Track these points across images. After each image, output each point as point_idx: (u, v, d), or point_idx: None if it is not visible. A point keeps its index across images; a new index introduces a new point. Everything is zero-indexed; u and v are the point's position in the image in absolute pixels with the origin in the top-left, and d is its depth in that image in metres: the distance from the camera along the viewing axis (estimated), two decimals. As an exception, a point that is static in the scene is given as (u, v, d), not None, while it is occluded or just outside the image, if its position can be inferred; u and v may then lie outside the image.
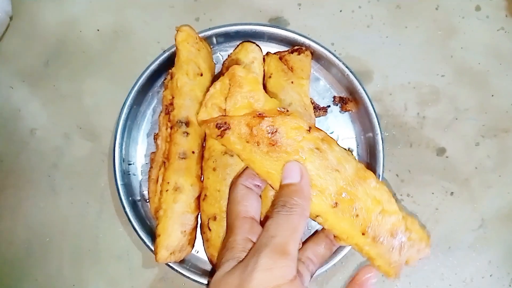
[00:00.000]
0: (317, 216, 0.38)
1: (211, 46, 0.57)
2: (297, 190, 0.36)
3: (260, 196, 0.43)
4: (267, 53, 0.56)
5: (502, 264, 0.58)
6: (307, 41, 0.57)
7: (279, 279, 0.32)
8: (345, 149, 0.40)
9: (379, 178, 0.55)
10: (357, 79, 0.56)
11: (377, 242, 0.38)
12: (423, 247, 0.39)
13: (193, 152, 0.51)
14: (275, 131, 0.37)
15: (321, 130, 0.39)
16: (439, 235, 0.58)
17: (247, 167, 0.43)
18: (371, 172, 0.40)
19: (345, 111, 0.58)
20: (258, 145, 0.37)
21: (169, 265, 0.53)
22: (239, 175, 0.44)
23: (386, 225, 0.38)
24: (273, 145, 0.37)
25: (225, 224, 0.48)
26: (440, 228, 0.58)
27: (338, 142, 0.57)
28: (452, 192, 0.59)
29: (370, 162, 0.57)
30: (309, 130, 0.37)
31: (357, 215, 0.37)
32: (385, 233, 0.38)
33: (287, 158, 0.37)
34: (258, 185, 0.42)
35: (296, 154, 0.37)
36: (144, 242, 0.53)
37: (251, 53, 0.54)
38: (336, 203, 0.37)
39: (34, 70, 0.61)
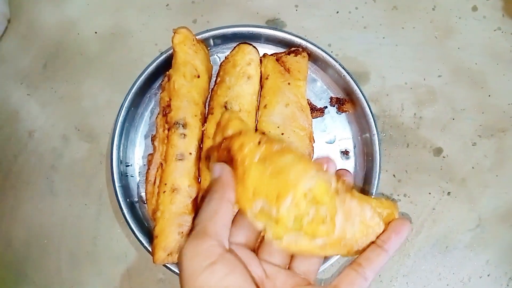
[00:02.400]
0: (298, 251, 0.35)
1: (208, 48, 0.58)
2: (216, 181, 0.36)
3: None
4: (264, 55, 0.56)
5: (499, 263, 0.58)
6: (304, 43, 0.57)
7: (206, 259, 0.32)
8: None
9: (376, 179, 0.55)
10: (353, 80, 0.56)
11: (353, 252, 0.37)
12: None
13: (190, 154, 0.51)
14: (229, 149, 0.38)
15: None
16: (437, 235, 0.58)
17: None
18: (351, 183, 0.38)
19: (342, 112, 0.59)
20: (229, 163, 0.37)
21: (166, 267, 0.53)
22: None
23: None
24: (231, 160, 0.37)
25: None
26: (437, 228, 0.58)
27: (336, 143, 0.58)
28: (449, 192, 0.59)
29: (367, 163, 0.57)
30: (258, 143, 0.36)
31: (344, 246, 0.35)
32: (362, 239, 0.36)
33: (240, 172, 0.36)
34: None
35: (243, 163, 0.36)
36: (142, 244, 0.54)
37: (248, 55, 0.55)
38: (324, 244, 0.35)
39: (32, 72, 0.61)
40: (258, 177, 0.35)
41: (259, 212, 0.34)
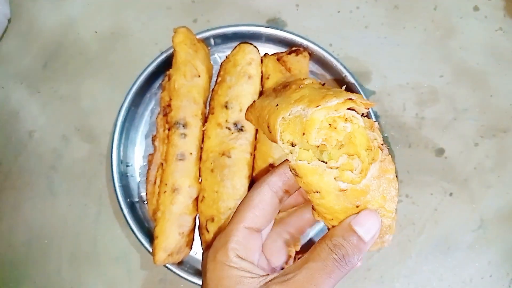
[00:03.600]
0: (317, 192, 0.34)
1: (209, 48, 0.57)
2: (362, 249, 0.34)
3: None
4: (265, 54, 0.56)
5: (501, 264, 0.58)
6: (305, 42, 0.57)
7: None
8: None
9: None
10: (355, 79, 0.56)
11: None
12: (393, 228, 0.38)
13: (191, 154, 0.51)
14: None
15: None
16: (438, 235, 0.58)
17: (279, 165, 0.40)
18: (394, 165, 0.36)
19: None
20: None
21: (167, 267, 0.53)
22: (267, 176, 0.39)
23: None
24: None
25: (223, 226, 0.48)
26: (439, 228, 0.58)
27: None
28: (451, 193, 0.59)
29: (369, 163, 0.57)
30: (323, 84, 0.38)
31: (357, 206, 0.35)
32: None
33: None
34: (287, 191, 0.39)
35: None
36: (142, 244, 0.53)
37: (249, 55, 0.54)
38: (346, 189, 0.34)
39: (33, 72, 0.61)
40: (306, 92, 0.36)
41: (293, 119, 0.34)
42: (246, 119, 0.49)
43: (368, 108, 0.35)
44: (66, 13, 0.63)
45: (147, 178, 0.55)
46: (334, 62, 0.56)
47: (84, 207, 0.58)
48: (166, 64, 0.56)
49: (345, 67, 0.56)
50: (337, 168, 0.33)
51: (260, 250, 0.39)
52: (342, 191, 0.33)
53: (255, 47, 0.55)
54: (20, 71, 0.61)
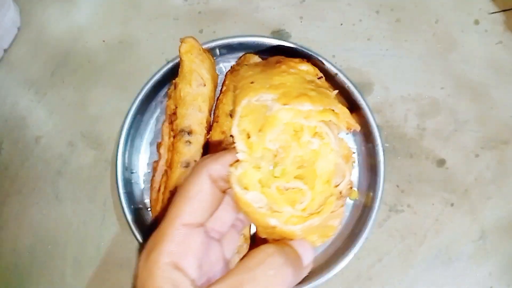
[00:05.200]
0: (245, 212, 0.31)
1: (214, 58, 0.58)
2: (301, 272, 0.31)
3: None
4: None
5: (502, 275, 0.58)
6: (308, 53, 0.57)
7: None
8: None
9: (380, 189, 0.55)
10: (357, 90, 0.57)
11: None
12: None
13: (195, 161, 0.52)
14: None
15: None
16: (439, 246, 0.58)
17: (224, 151, 0.34)
18: (343, 214, 0.32)
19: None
20: None
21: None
22: (208, 159, 0.34)
23: None
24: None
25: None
26: (440, 239, 0.58)
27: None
28: (452, 203, 0.59)
29: (371, 173, 0.57)
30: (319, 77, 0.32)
31: (283, 238, 0.31)
32: None
33: None
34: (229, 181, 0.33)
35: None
36: (146, 250, 0.54)
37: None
38: (275, 227, 0.30)
39: (41, 79, 0.62)
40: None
41: (258, 107, 0.29)
42: (223, 84, 0.42)
43: (351, 130, 0.30)
44: (75, 22, 0.64)
45: (151, 185, 0.56)
46: (337, 73, 0.57)
47: (89, 213, 0.59)
48: (172, 73, 0.57)
49: (347, 78, 0.57)
50: (274, 212, 0.29)
51: (204, 246, 0.33)
52: (271, 227, 0.30)
53: (260, 57, 0.56)
54: (28, 78, 0.62)
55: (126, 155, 0.57)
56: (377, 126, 0.56)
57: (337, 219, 0.30)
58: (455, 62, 0.63)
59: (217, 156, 0.33)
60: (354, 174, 0.59)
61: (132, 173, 0.58)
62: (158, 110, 0.60)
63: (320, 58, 0.57)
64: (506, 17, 0.63)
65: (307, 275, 0.53)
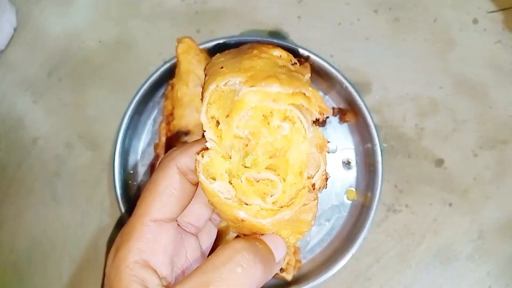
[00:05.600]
0: (212, 204, 0.29)
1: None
2: (273, 267, 0.30)
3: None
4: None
5: (501, 275, 0.58)
6: (306, 53, 0.57)
7: None
8: None
9: (378, 189, 0.55)
10: (355, 90, 0.57)
11: None
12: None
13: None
14: None
15: None
16: (438, 246, 0.58)
17: (192, 142, 0.32)
18: (316, 208, 0.30)
19: (344, 122, 0.59)
20: None
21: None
22: (176, 151, 0.32)
23: None
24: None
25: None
26: (438, 239, 0.58)
27: (337, 153, 0.58)
28: (450, 203, 0.59)
29: (369, 173, 0.57)
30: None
31: (254, 233, 0.30)
32: None
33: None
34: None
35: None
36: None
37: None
38: (244, 220, 0.28)
39: (38, 80, 0.62)
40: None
41: (227, 92, 0.27)
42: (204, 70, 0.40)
43: (323, 115, 0.27)
44: (71, 22, 0.64)
45: (149, 186, 0.56)
46: (335, 73, 0.57)
47: (86, 214, 0.59)
48: (170, 74, 0.56)
49: (346, 78, 0.57)
50: (242, 204, 0.27)
51: (176, 242, 0.32)
52: (239, 220, 0.28)
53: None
54: (25, 79, 0.62)
55: (124, 156, 0.57)
56: (376, 126, 0.56)
57: (310, 213, 0.29)
58: (453, 62, 0.62)
59: (185, 147, 0.31)
60: (352, 174, 0.59)
61: (129, 173, 0.58)
62: (156, 111, 0.60)
63: (318, 58, 0.57)
64: (505, 16, 0.63)
65: (306, 275, 0.54)
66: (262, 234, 0.30)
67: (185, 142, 0.51)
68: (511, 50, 0.63)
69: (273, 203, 0.27)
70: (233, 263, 0.27)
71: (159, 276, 0.30)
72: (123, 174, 0.56)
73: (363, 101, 0.56)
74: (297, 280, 0.54)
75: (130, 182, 0.58)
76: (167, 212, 0.31)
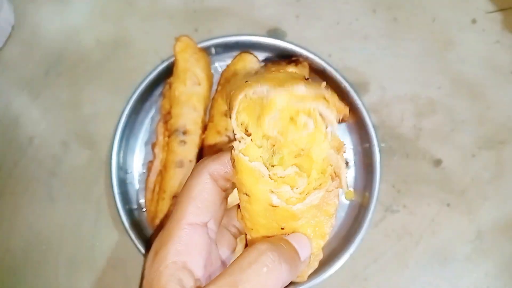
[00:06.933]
0: (246, 194, 0.30)
1: (210, 57, 0.58)
2: (298, 265, 0.31)
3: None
4: (265, 64, 0.57)
5: (499, 276, 0.58)
6: (304, 52, 0.57)
7: None
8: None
9: (376, 189, 0.55)
10: (354, 90, 0.57)
11: None
12: (314, 265, 0.35)
13: (190, 161, 0.52)
14: None
15: None
16: (436, 246, 0.58)
17: (222, 152, 0.34)
18: (338, 199, 0.32)
19: (342, 122, 0.59)
20: None
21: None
22: (208, 160, 0.34)
23: None
24: None
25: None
26: (436, 239, 0.58)
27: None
28: (448, 204, 0.59)
29: (367, 173, 0.57)
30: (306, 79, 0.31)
31: (282, 228, 0.31)
32: None
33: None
34: (230, 180, 0.34)
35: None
36: (140, 251, 0.54)
37: (249, 64, 0.55)
38: (277, 206, 0.30)
39: (34, 78, 0.62)
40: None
41: (255, 99, 0.29)
42: (218, 83, 0.42)
43: (341, 118, 0.29)
44: (69, 21, 0.63)
45: (146, 185, 0.56)
46: (333, 72, 0.57)
47: (83, 213, 0.58)
48: (167, 72, 0.56)
49: (344, 78, 0.57)
50: (278, 179, 0.29)
51: (208, 246, 0.33)
52: (273, 206, 0.29)
53: (255, 56, 0.56)
54: (22, 78, 0.62)
55: (121, 155, 0.57)
56: (373, 125, 0.56)
57: (333, 207, 0.31)
58: (452, 62, 0.62)
59: (216, 156, 0.33)
60: (350, 174, 0.58)
61: (126, 173, 0.58)
62: (153, 110, 0.60)
63: (316, 58, 0.57)
64: (503, 16, 0.63)
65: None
66: (288, 234, 0.31)
67: (183, 141, 0.51)
68: (509, 50, 0.62)
69: (300, 193, 0.29)
70: (258, 264, 0.28)
71: (194, 277, 0.31)
72: (120, 174, 0.56)
73: (361, 100, 0.56)
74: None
75: (127, 181, 0.57)
76: (201, 216, 0.33)
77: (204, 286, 0.29)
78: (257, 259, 0.28)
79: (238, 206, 0.32)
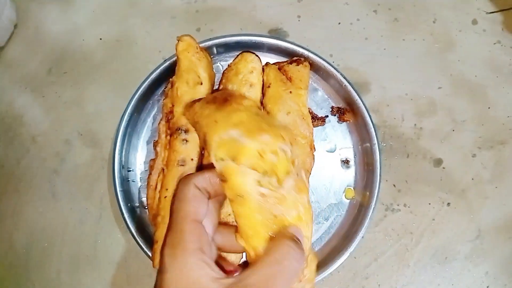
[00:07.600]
0: (239, 195, 0.36)
1: (212, 56, 0.58)
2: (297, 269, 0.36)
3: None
4: (266, 63, 0.57)
5: (499, 275, 0.58)
6: (306, 52, 0.57)
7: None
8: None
9: (376, 189, 0.55)
10: (354, 90, 0.57)
11: None
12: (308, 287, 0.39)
13: (192, 160, 0.52)
14: None
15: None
16: (436, 245, 0.58)
17: (203, 170, 0.42)
18: (308, 190, 0.40)
19: (343, 122, 0.59)
20: None
21: (166, 272, 0.53)
22: (192, 174, 0.41)
23: None
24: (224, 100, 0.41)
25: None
26: (436, 238, 0.59)
27: (336, 152, 0.59)
28: (448, 203, 0.59)
29: (367, 172, 0.57)
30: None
31: (275, 216, 0.36)
32: None
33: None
34: (209, 192, 0.40)
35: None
36: (142, 249, 0.54)
37: (251, 63, 0.55)
38: (264, 194, 0.36)
39: (37, 77, 0.62)
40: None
41: (229, 141, 0.37)
42: (183, 114, 0.50)
43: (292, 144, 0.39)
44: (72, 20, 0.64)
45: (148, 183, 0.56)
46: (334, 72, 0.57)
47: (85, 211, 0.59)
48: (169, 72, 0.57)
49: (345, 78, 0.57)
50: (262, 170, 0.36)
51: (209, 237, 0.39)
52: (262, 195, 0.36)
53: (257, 56, 0.56)
54: (25, 76, 0.62)
55: (123, 154, 0.57)
56: (374, 125, 0.56)
57: (305, 195, 0.38)
58: (452, 62, 0.63)
59: (199, 172, 0.40)
60: (350, 173, 0.59)
61: (129, 171, 0.58)
62: (155, 109, 0.60)
63: (318, 58, 0.57)
64: (504, 17, 0.63)
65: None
66: (285, 226, 0.36)
67: (185, 140, 0.51)
68: (510, 51, 0.63)
69: (277, 182, 0.37)
70: (290, 257, 0.34)
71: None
72: (122, 172, 0.57)
73: (362, 100, 0.57)
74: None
75: (129, 179, 0.58)
76: (198, 214, 0.38)
77: (245, 272, 0.34)
78: (289, 253, 0.34)
79: (236, 229, 0.38)
